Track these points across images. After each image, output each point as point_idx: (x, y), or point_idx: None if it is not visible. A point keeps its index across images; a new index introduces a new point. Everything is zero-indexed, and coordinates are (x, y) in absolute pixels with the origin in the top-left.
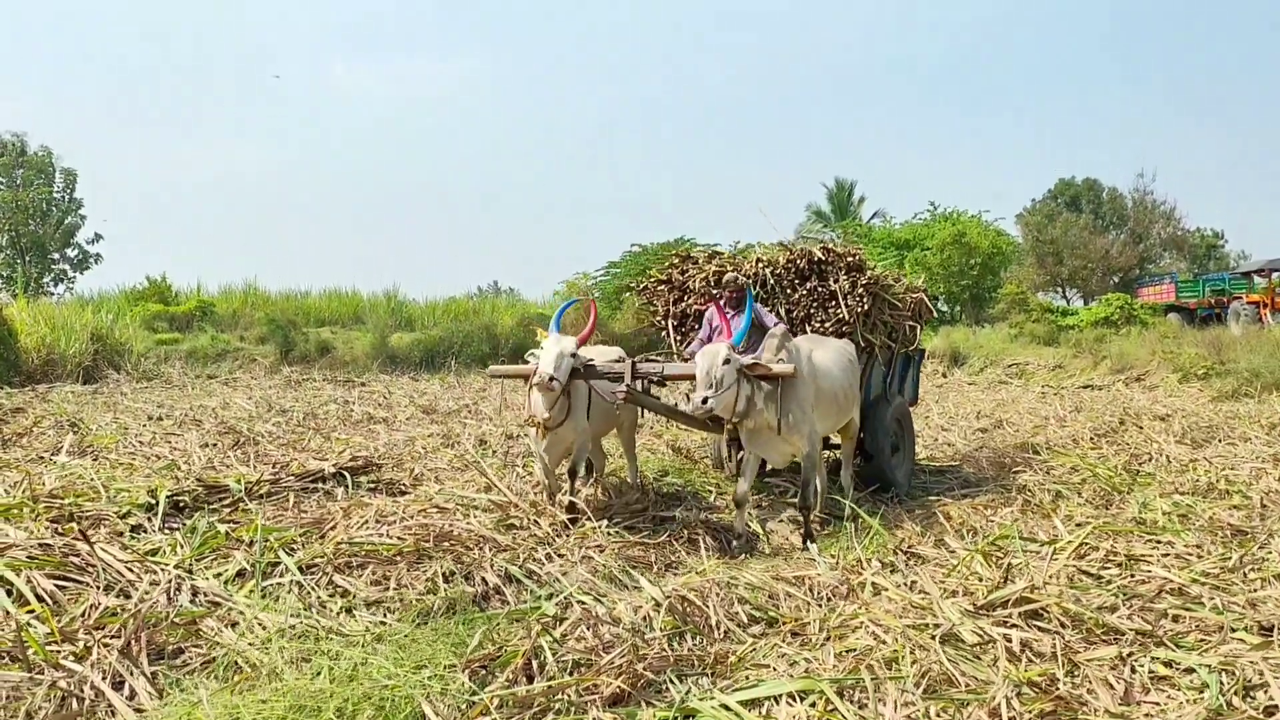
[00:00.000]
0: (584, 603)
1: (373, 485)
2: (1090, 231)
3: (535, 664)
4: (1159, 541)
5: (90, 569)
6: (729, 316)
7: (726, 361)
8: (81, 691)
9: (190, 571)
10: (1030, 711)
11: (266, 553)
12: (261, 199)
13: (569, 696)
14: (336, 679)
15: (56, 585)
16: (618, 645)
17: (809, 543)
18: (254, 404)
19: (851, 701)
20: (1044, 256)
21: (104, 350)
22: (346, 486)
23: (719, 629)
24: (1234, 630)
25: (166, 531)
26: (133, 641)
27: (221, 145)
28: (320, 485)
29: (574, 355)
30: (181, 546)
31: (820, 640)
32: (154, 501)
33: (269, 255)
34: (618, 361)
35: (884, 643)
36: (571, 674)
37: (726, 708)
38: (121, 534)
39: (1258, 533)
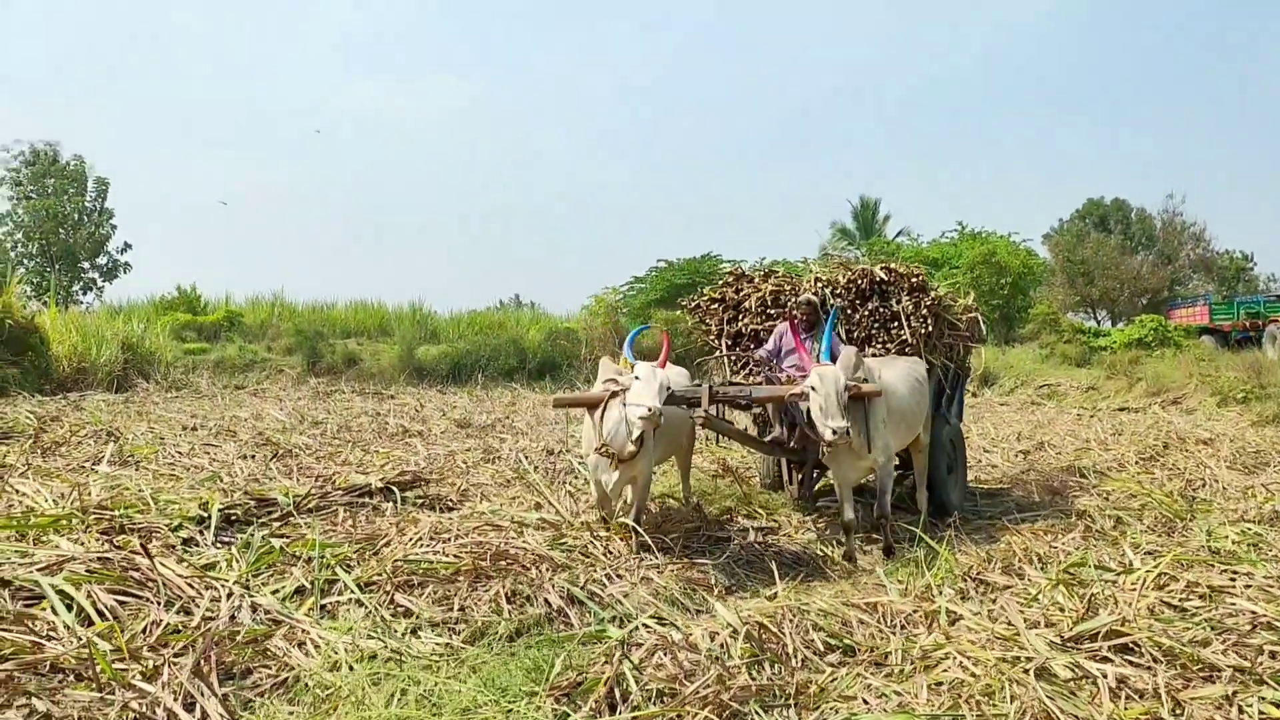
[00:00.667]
0: (649, 626)
1: (419, 500)
2: (1120, 252)
3: (618, 692)
4: (1236, 572)
5: (150, 584)
6: (802, 338)
7: (845, 387)
8: (154, 713)
9: (247, 588)
10: None
11: (323, 569)
12: (289, 211)
13: None
14: (419, 705)
15: (116, 600)
16: (700, 674)
17: (889, 555)
18: (286, 415)
19: None
20: (1074, 277)
21: (134, 359)
22: (395, 501)
23: (796, 657)
24: None
25: (219, 545)
26: (202, 661)
27: (249, 157)
28: (368, 499)
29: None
30: (238, 561)
31: (908, 672)
32: (205, 514)
33: (295, 267)
34: (696, 385)
35: (975, 676)
36: (656, 703)
37: None
38: (173, 547)
39: None
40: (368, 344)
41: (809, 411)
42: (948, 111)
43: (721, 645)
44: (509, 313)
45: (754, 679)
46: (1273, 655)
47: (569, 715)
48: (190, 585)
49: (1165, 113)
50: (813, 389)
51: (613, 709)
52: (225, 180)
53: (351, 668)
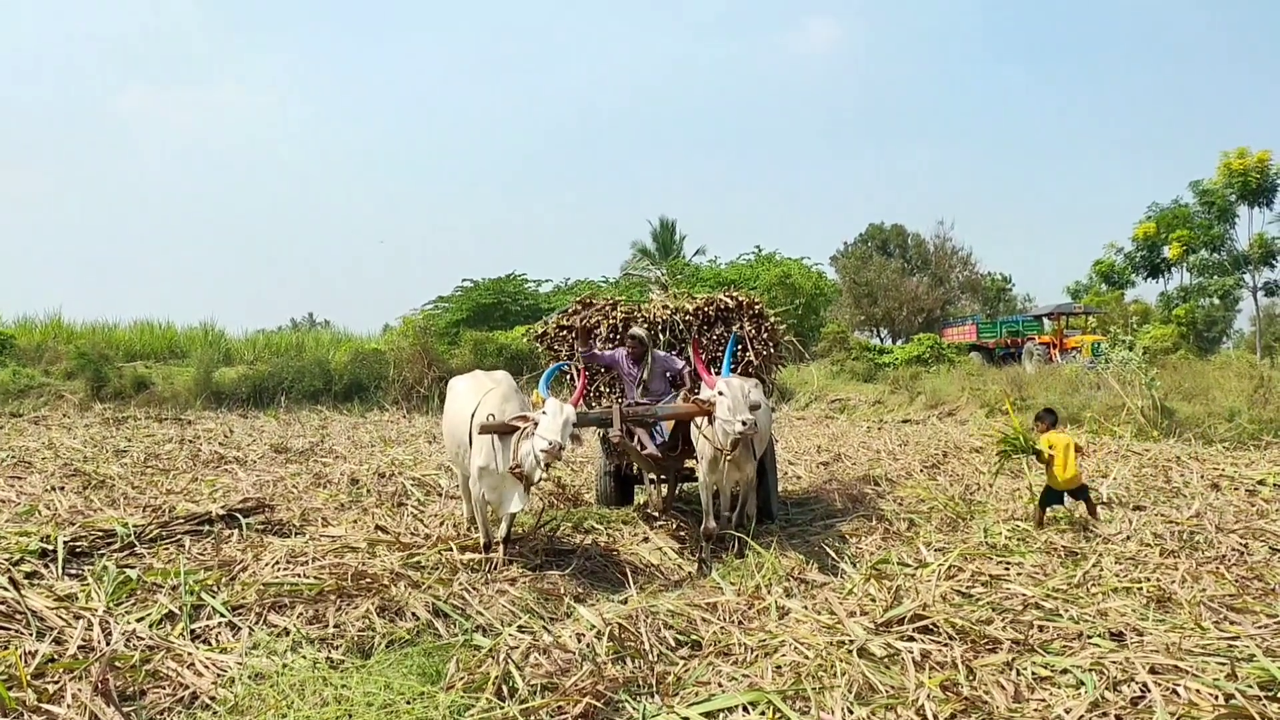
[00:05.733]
0: (515, 635)
1: (262, 527)
2: (900, 274)
3: (505, 688)
4: (1009, 563)
5: (19, 616)
6: (641, 365)
7: (747, 393)
8: None
9: (110, 615)
10: (945, 712)
11: (188, 595)
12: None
13: (541, 716)
14: (332, 705)
15: None
16: (574, 669)
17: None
18: (82, 444)
19: (794, 710)
20: (860, 298)
21: None
22: (240, 528)
23: (653, 652)
24: (1090, 636)
25: (69, 577)
26: (99, 683)
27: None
28: (209, 527)
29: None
30: (97, 592)
31: (751, 659)
32: (48, 547)
33: (64, 285)
34: (607, 408)
35: (808, 658)
36: (541, 695)
37: None
38: (17, 582)
39: (1087, 553)
40: (158, 367)
41: (712, 417)
42: (739, 136)
43: (588, 645)
44: (306, 332)
45: (620, 672)
46: (1040, 629)
47: (470, 706)
48: (59, 616)
49: (937, 143)
50: (720, 394)
51: (503, 702)
52: None
53: (238, 681)
